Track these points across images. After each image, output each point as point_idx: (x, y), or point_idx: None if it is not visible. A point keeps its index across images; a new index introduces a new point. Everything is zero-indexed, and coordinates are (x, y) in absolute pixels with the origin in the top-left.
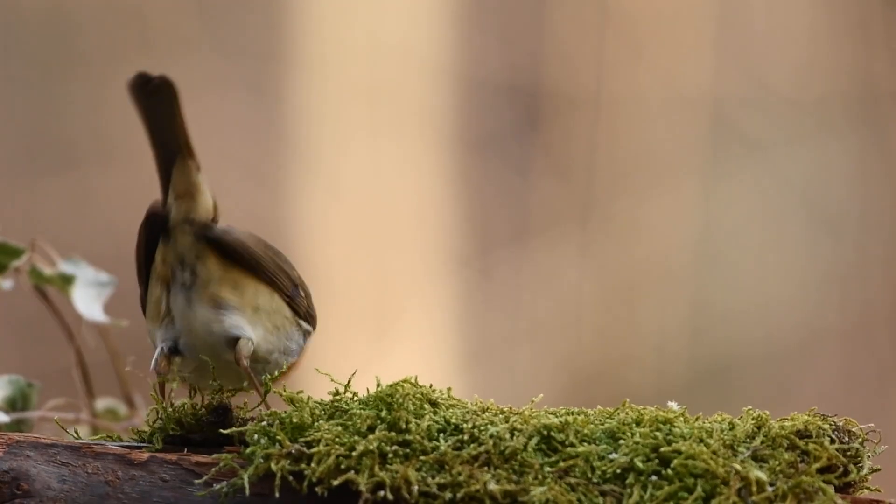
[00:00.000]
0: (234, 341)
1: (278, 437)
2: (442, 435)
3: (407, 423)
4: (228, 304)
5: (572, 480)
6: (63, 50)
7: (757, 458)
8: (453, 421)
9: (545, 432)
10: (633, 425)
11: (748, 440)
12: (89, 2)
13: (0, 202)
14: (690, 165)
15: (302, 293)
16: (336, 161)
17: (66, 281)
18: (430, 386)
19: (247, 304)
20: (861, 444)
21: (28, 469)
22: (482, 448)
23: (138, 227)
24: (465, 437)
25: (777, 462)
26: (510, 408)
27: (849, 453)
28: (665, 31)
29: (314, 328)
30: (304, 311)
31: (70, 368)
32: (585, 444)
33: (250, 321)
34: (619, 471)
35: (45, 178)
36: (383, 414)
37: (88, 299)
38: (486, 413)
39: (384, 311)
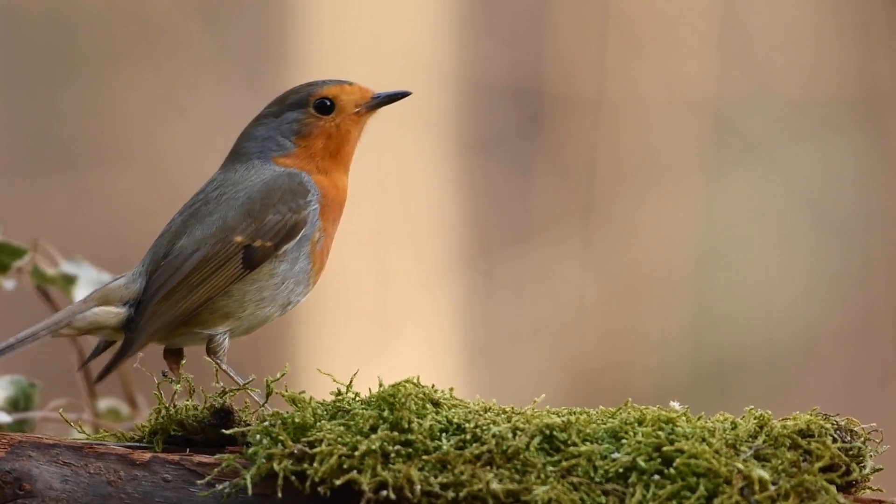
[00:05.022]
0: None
1: (281, 438)
2: (444, 435)
3: (409, 422)
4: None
5: (575, 480)
6: (64, 51)
7: (759, 458)
8: (455, 421)
9: (547, 432)
10: (636, 425)
11: (750, 439)
12: (90, 3)
13: (2, 202)
14: (692, 166)
15: (257, 242)
16: None
17: (69, 281)
18: (433, 386)
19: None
20: (863, 443)
21: (30, 469)
22: (485, 447)
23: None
24: (468, 437)
25: (779, 461)
26: (512, 407)
27: (851, 452)
28: (666, 33)
29: (294, 236)
30: (262, 256)
31: (72, 368)
32: (588, 443)
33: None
34: (621, 470)
35: (48, 179)
36: (385, 414)
37: None
38: (489, 413)
39: (386, 310)
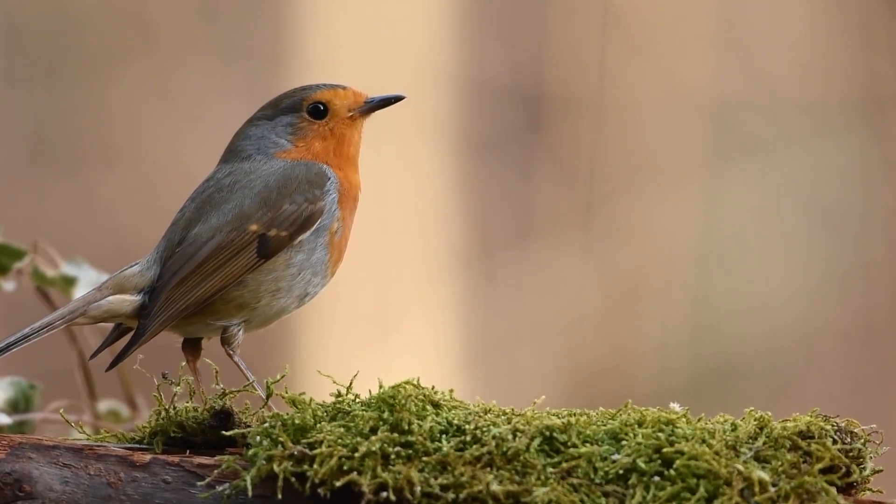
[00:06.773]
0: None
1: (281, 439)
2: (444, 436)
3: (409, 424)
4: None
5: (575, 481)
6: (67, 52)
7: (759, 459)
8: (455, 422)
9: (547, 433)
10: (636, 426)
11: (750, 441)
12: (94, 4)
13: (3, 203)
14: (692, 166)
15: (272, 232)
16: None
17: (69, 282)
18: (433, 387)
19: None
20: (863, 444)
21: (30, 471)
22: (485, 449)
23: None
24: (468, 438)
25: (779, 463)
26: (512, 409)
27: (851, 454)
28: (666, 33)
29: (309, 226)
30: (276, 246)
31: (72, 370)
32: (588, 444)
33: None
34: (621, 471)
35: (48, 180)
36: (385, 415)
37: None
38: (489, 414)
39: (387, 312)
